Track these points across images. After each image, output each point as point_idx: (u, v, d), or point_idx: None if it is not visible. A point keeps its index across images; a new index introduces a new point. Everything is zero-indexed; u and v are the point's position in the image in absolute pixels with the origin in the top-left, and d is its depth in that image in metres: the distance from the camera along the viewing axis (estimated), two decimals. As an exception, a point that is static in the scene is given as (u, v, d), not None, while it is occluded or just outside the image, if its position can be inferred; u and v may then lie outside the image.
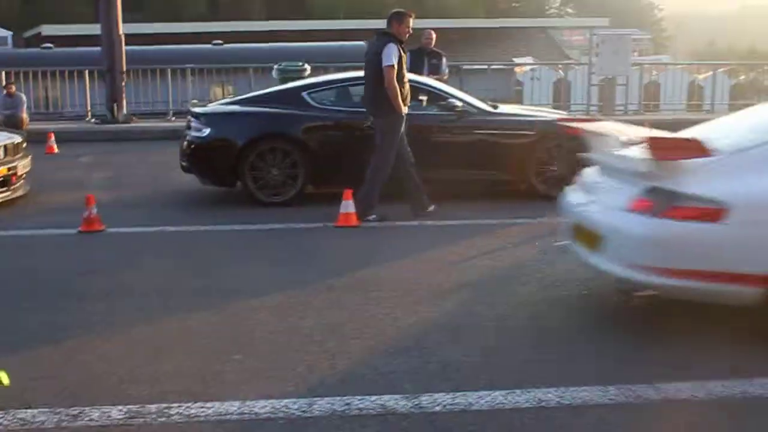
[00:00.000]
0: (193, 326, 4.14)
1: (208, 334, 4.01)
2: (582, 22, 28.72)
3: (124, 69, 14.17)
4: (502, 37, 14.88)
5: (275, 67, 12.42)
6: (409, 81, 6.79)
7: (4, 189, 7.26)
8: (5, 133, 8.33)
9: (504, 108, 7.99)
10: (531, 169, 7.25)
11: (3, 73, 14.49)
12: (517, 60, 18.62)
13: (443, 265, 5.30)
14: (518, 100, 16.26)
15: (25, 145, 8.02)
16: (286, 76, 11.34)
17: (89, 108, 14.77)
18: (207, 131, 7.19)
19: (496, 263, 5.38)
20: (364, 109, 6.96)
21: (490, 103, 7.87)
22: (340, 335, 3.94)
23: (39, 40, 28.99)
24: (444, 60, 9.94)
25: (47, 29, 31.49)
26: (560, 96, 15.70)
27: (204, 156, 7.26)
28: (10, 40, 36.04)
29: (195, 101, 8.21)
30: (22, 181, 7.69)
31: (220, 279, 5.04)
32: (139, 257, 5.66)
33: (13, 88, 13.86)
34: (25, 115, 13.49)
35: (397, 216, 6.58)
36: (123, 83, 14.20)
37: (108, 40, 13.94)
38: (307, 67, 12.17)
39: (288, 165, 7.10)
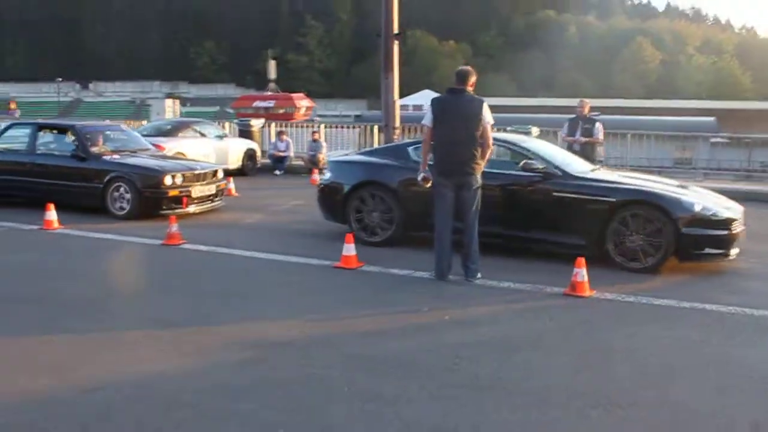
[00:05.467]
0: (54, 339, 4.45)
1: (43, 351, 4.24)
2: None
3: (397, 125, 16.46)
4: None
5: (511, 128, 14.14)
6: (497, 139, 6.98)
7: (178, 206, 8.93)
8: (191, 163, 10.00)
9: (599, 173, 7.26)
10: (608, 237, 6.53)
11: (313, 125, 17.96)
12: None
13: (347, 319, 4.99)
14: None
15: (214, 175, 9.53)
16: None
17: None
18: (328, 175, 7.98)
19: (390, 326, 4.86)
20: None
21: (593, 167, 7.30)
22: (84, 377, 3.84)
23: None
24: (597, 125, 10.40)
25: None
26: None
27: (324, 196, 7.98)
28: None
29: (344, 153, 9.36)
30: (208, 203, 9.33)
31: (144, 301, 5.32)
32: (163, 268, 6.45)
33: (317, 135, 16.71)
34: (322, 155, 16.21)
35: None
36: (395, 136, 16.37)
37: (386, 104, 16.90)
38: (534, 129, 13.17)
39: (384, 210, 7.42)
